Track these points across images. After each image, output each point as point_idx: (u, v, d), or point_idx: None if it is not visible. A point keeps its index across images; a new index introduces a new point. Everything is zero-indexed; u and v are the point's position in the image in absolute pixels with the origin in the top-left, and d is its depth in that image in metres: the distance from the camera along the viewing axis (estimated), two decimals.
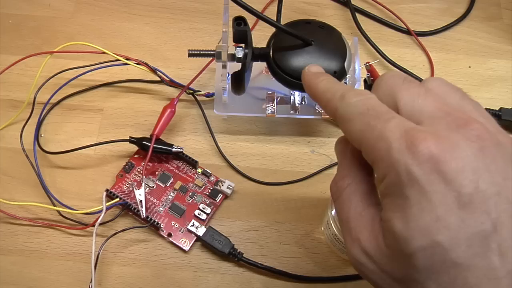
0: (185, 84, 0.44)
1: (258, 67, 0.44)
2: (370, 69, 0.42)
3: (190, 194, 0.41)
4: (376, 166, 0.23)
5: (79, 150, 0.42)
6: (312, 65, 0.30)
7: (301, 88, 0.40)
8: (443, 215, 0.20)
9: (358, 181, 0.25)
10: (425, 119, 0.23)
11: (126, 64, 0.43)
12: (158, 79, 0.44)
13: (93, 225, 0.38)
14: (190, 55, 0.40)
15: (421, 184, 0.21)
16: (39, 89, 0.43)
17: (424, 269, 0.21)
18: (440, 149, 0.21)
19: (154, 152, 0.41)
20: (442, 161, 0.21)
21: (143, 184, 0.40)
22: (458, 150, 0.21)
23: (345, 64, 0.39)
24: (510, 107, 0.46)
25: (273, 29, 0.40)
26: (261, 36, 0.46)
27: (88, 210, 0.39)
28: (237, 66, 0.39)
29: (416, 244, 0.20)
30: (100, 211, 0.38)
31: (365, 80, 0.43)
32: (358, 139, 0.24)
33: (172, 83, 0.45)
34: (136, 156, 0.43)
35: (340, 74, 0.39)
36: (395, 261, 0.22)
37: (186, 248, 0.39)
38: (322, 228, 0.40)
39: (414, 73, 0.47)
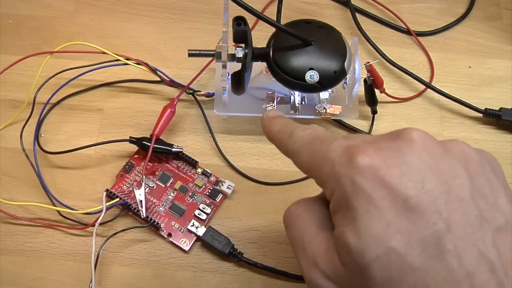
0: (185, 84, 0.44)
1: (258, 67, 0.44)
2: (370, 69, 0.42)
3: (190, 194, 0.41)
4: (325, 187, 0.23)
5: (79, 150, 0.42)
6: (270, 110, 0.32)
7: (301, 88, 0.40)
8: (393, 220, 0.20)
9: (312, 209, 0.25)
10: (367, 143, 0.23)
11: (126, 64, 0.43)
12: (158, 79, 0.44)
13: (93, 225, 0.38)
14: (190, 55, 0.40)
15: (366, 192, 0.21)
16: (39, 89, 0.43)
17: (383, 280, 0.20)
18: (380, 156, 0.21)
19: (154, 152, 0.41)
20: (383, 167, 0.21)
21: (143, 184, 0.40)
22: (399, 154, 0.21)
23: (345, 64, 0.39)
24: (510, 107, 0.46)
25: (273, 29, 0.40)
26: (261, 36, 0.46)
27: (88, 210, 0.39)
28: (237, 66, 0.39)
29: (371, 254, 0.20)
30: (100, 211, 0.38)
31: (365, 80, 0.43)
32: (307, 168, 0.24)
33: (172, 83, 0.45)
34: (136, 156, 0.43)
35: (340, 74, 0.39)
36: (353, 278, 0.21)
37: (186, 248, 0.39)
38: None
39: (414, 73, 0.47)
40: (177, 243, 0.39)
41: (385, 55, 0.48)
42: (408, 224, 0.20)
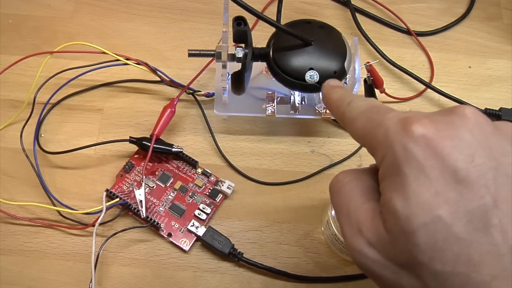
0: (185, 84, 0.44)
1: (258, 67, 0.44)
2: (370, 69, 0.42)
3: (190, 194, 0.41)
4: (376, 153, 0.24)
5: (79, 150, 0.42)
6: (332, 79, 0.34)
7: (301, 88, 0.40)
8: (442, 189, 0.20)
9: (361, 178, 0.25)
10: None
11: (126, 64, 0.43)
12: (158, 79, 0.44)
13: (93, 225, 0.38)
14: (190, 55, 0.40)
15: (417, 159, 0.21)
16: (39, 89, 0.43)
17: (427, 248, 0.20)
18: (434, 127, 0.22)
19: (154, 152, 0.41)
20: (436, 138, 0.21)
21: (143, 184, 0.40)
22: (452, 128, 0.22)
23: (345, 64, 0.39)
24: (510, 107, 0.46)
25: (273, 29, 0.40)
26: (261, 36, 0.46)
27: (88, 210, 0.39)
28: (237, 66, 0.39)
29: (417, 220, 0.21)
30: (100, 211, 0.38)
31: (365, 80, 0.43)
32: (361, 134, 0.25)
33: (172, 83, 0.45)
34: (136, 156, 0.43)
35: (340, 74, 0.39)
36: (397, 244, 0.22)
37: (186, 248, 0.39)
38: (322, 228, 0.40)
39: (414, 73, 0.47)
40: (177, 243, 0.39)
41: (385, 55, 0.48)
42: (456, 195, 0.20)
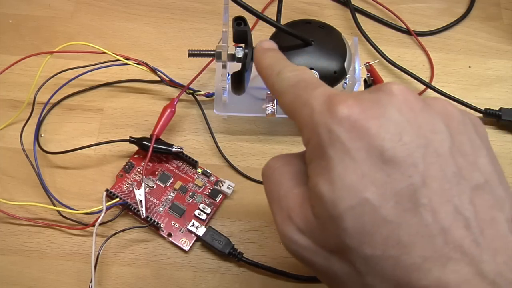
0: (185, 84, 0.44)
1: None
2: (370, 69, 0.42)
3: (190, 194, 0.41)
4: (302, 134, 0.23)
5: (79, 150, 0.42)
6: (266, 40, 0.30)
7: None
8: (368, 171, 0.20)
9: (291, 163, 0.25)
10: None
11: (126, 64, 0.43)
12: (158, 79, 0.44)
13: (93, 225, 0.38)
14: (190, 55, 0.40)
15: (342, 141, 0.20)
16: (39, 89, 0.43)
17: (356, 232, 0.20)
18: (359, 107, 0.21)
19: (154, 152, 0.41)
20: (361, 119, 0.20)
21: (143, 184, 0.40)
22: (378, 106, 0.21)
23: (345, 64, 0.39)
24: (510, 107, 0.46)
25: (273, 29, 0.40)
26: (261, 36, 0.46)
27: (88, 210, 0.39)
28: (237, 66, 0.39)
29: (344, 204, 0.20)
30: (100, 211, 0.38)
31: (365, 80, 0.43)
32: (289, 110, 0.24)
33: (172, 83, 0.45)
34: (136, 156, 0.43)
35: (340, 74, 0.39)
36: (326, 229, 0.21)
37: (186, 248, 0.39)
38: None
39: (414, 73, 0.47)
40: (177, 243, 0.39)
41: (385, 55, 0.48)
42: (383, 176, 0.20)
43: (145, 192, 0.40)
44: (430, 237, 0.19)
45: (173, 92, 0.46)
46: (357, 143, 0.20)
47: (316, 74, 0.38)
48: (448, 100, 0.23)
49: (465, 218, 0.19)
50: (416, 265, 0.19)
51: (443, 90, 0.46)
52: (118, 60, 0.43)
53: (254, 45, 0.29)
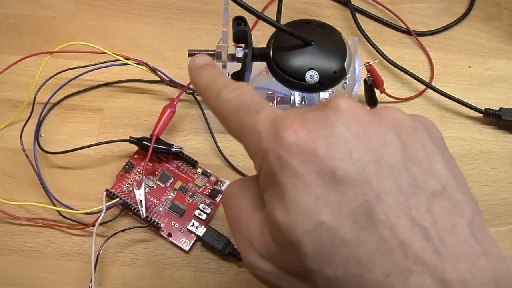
0: (185, 84, 0.44)
1: (258, 67, 0.44)
2: (370, 69, 0.42)
3: (190, 194, 0.41)
4: (253, 161, 0.22)
5: (79, 150, 0.42)
6: (198, 56, 0.28)
7: (301, 88, 0.40)
8: (322, 193, 0.19)
9: (248, 188, 0.24)
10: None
11: (126, 64, 0.43)
12: (158, 79, 0.44)
13: (93, 225, 0.38)
14: (190, 55, 0.40)
15: (293, 167, 0.20)
16: (39, 89, 0.43)
17: (315, 255, 0.20)
18: (306, 130, 0.20)
19: (154, 152, 0.41)
20: (309, 141, 0.20)
21: (143, 184, 0.40)
22: (325, 126, 0.21)
23: (345, 64, 0.39)
24: (510, 107, 0.46)
25: (273, 29, 0.40)
26: (261, 36, 0.46)
27: (88, 210, 0.39)
28: (237, 66, 0.39)
29: (301, 229, 0.20)
30: (100, 211, 0.38)
31: (365, 80, 0.43)
32: (236, 136, 0.24)
33: (172, 83, 0.45)
34: (136, 156, 0.43)
35: (340, 74, 0.39)
36: (286, 254, 0.21)
37: (186, 248, 0.39)
38: None
39: (414, 73, 0.47)
40: (177, 243, 0.39)
41: (385, 55, 0.48)
42: (337, 197, 0.19)
43: (145, 192, 0.40)
44: (390, 252, 0.19)
45: (173, 92, 0.46)
46: (308, 167, 0.20)
47: (316, 74, 0.38)
48: (397, 107, 0.22)
49: (423, 228, 0.19)
50: (379, 282, 0.19)
51: (443, 90, 0.46)
52: (118, 60, 0.43)
53: (194, 61, 0.27)
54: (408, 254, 0.19)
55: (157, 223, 0.39)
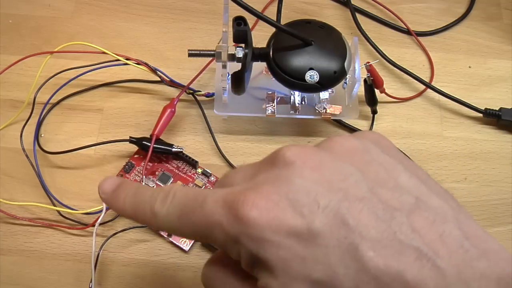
0: (185, 84, 0.44)
1: (258, 67, 0.44)
2: (370, 69, 0.42)
3: None
4: (228, 252, 0.21)
5: (79, 150, 0.42)
6: (103, 183, 0.26)
7: (301, 88, 0.40)
8: (306, 252, 0.19)
9: (227, 265, 0.23)
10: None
11: (126, 64, 0.43)
12: (158, 79, 0.44)
13: (93, 225, 0.38)
14: (190, 55, 0.40)
15: (268, 240, 0.19)
16: (39, 89, 0.43)
17: None
18: (263, 198, 0.20)
19: (154, 152, 0.41)
20: (270, 208, 0.19)
21: (143, 184, 0.40)
22: (280, 185, 0.20)
23: (345, 64, 0.39)
24: (510, 107, 0.46)
25: (273, 29, 0.40)
26: (261, 36, 0.46)
27: (88, 210, 0.39)
28: (237, 66, 0.39)
29: None
30: (100, 211, 0.38)
31: (365, 80, 0.43)
32: (200, 240, 0.23)
33: (172, 83, 0.45)
34: (136, 156, 0.43)
35: (340, 74, 0.39)
36: None
37: (186, 248, 0.39)
38: None
39: (414, 73, 0.47)
40: (177, 243, 0.39)
41: (385, 55, 0.48)
42: (322, 249, 0.19)
43: None
44: (389, 285, 0.18)
45: (173, 92, 0.46)
46: (281, 233, 0.19)
47: (316, 74, 0.38)
48: (339, 134, 0.22)
49: (414, 249, 0.18)
50: None
51: (443, 90, 0.46)
52: (118, 60, 0.43)
53: (103, 190, 0.25)
54: (408, 281, 0.18)
55: None
